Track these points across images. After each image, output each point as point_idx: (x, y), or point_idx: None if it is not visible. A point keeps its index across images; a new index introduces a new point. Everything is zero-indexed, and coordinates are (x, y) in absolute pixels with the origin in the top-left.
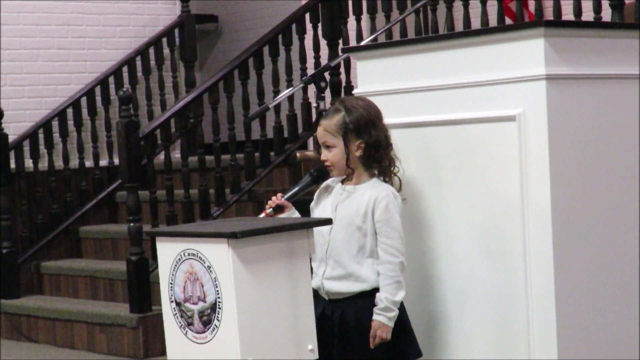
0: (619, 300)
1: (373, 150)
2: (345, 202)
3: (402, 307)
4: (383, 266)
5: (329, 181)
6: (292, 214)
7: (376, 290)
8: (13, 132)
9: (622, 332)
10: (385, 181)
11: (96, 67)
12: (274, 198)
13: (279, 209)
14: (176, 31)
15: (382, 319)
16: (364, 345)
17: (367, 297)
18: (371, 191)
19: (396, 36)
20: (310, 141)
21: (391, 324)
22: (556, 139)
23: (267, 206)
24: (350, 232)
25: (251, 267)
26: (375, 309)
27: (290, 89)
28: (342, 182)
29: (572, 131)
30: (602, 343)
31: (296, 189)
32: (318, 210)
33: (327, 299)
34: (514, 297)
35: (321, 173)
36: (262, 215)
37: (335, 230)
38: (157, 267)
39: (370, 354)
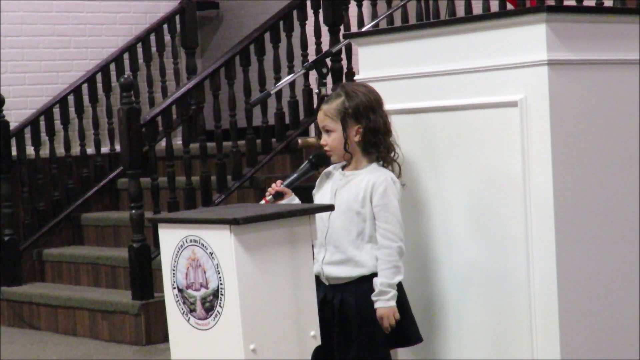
0: (622, 285)
1: (371, 136)
2: (344, 187)
3: (402, 292)
4: (381, 251)
5: (330, 167)
6: (292, 200)
7: (376, 274)
8: (14, 119)
9: (625, 317)
10: (384, 167)
11: (97, 53)
12: (273, 185)
13: (279, 195)
14: (177, 18)
15: (381, 303)
16: (363, 329)
17: (367, 282)
18: (370, 176)
19: (397, 22)
20: (312, 127)
21: (392, 304)
22: (558, 124)
23: (267, 193)
24: (349, 217)
25: (253, 253)
26: (372, 296)
27: (292, 75)
28: (343, 168)
29: (574, 117)
30: (604, 329)
31: (295, 175)
32: (319, 196)
33: (327, 284)
34: (515, 282)
35: (320, 159)
36: (262, 202)
37: (334, 215)
38: (159, 253)
39: (369, 338)
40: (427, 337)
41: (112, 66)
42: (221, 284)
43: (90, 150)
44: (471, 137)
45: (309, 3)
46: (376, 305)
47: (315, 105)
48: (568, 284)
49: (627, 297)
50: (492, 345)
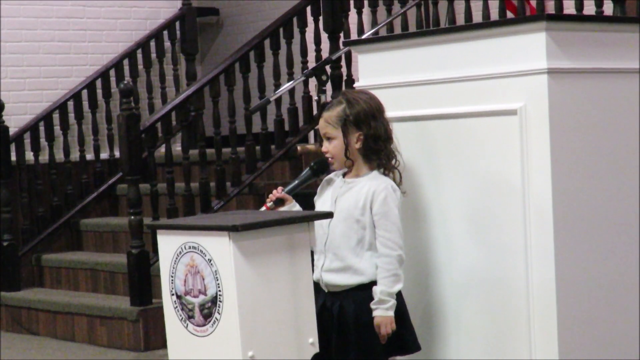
0: (621, 292)
1: (372, 143)
2: (344, 195)
3: (401, 300)
4: (381, 259)
5: (332, 174)
6: (293, 207)
7: (375, 283)
8: (14, 124)
9: (624, 323)
10: (385, 174)
11: (97, 59)
12: (274, 191)
13: (279, 202)
14: (177, 24)
15: (379, 312)
16: (362, 337)
17: (366, 290)
18: (370, 183)
19: (397, 29)
20: (311, 134)
21: (390, 314)
22: (557, 132)
23: (268, 199)
24: (349, 225)
25: (252, 260)
26: (371, 304)
27: (291, 82)
28: (344, 175)
29: (573, 125)
30: (603, 335)
31: (296, 182)
32: (320, 203)
33: (326, 291)
34: (514, 289)
35: (321, 166)
36: (263, 208)
37: (334, 222)
38: (157, 260)
39: (367, 346)
40: (425, 344)
41: (112, 72)
42: (220, 290)
43: (89, 156)
44: (471, 144)
45: (309, 10)
46: (374, 313)
47: (314, 112)
48: (567, 291)
49: (625, 303)
50: (490, 351)
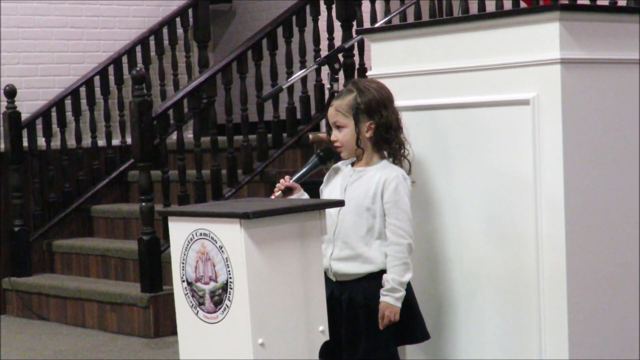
0: (632, 284)
1: (383, 132)
2: (354, 183)
3: (410, 289)
4: (391, 248)
5: (339, 163)
6: (301, 195)
7: (384, 271)
8: (26, 110)
9: (635, 317)
10: (395, 163)
11: (110, 46)
12: (282, 180)
13: (288, 191)
14: (190, 11)
15: (389, 299)
16: (372, 326)
17: (375, 279)
18: (381, 172)
19: (410, 18)
20: (323, 123)
21: (398, 304)
22: (570, 123)
23: (276, 189)
24: (359, 214)
25: (263, 247)
26: (381, 290)
27: (304, 70)
28: (352, 164)
29: (586, 115)
30: (614, 328)
31: (304, 170)
32: (327, 192)
33: (334, 280)
34: (525, 281)
35: (328, 153)
36: (272, 197)
37: (344, 211)
38: (168, 246)
39: (377, 335)
40: (436, 336)
41: (125, 58)
42: (230, 277)
43: (101, 142)
44: (483, 134)
45: None
46: (382, 299)
47: (326, 101)
48: (577, 283)
49: (637, 296)
50: (500, 344)
